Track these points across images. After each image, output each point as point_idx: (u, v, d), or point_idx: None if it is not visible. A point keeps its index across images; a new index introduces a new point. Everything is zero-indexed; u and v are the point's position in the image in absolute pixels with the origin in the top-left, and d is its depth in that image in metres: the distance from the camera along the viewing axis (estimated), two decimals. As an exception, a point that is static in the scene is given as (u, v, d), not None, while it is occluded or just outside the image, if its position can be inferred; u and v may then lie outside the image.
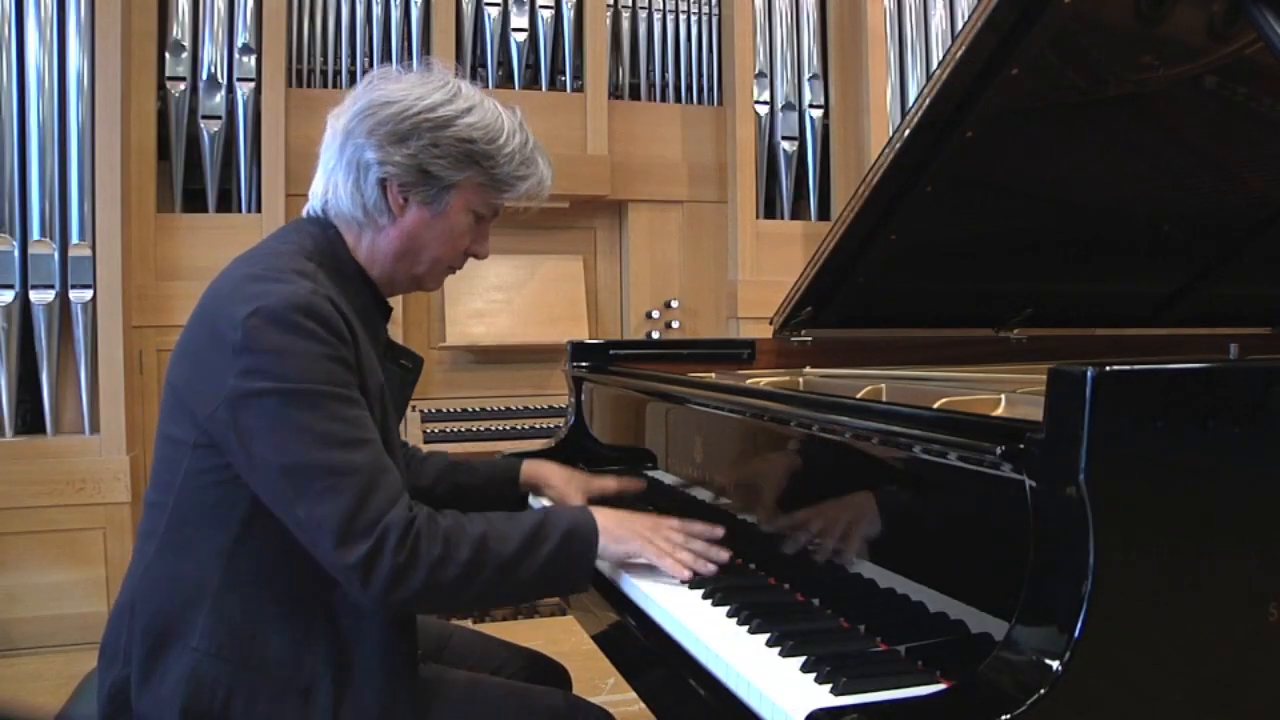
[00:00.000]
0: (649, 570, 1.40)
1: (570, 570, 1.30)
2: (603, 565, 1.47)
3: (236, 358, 1.15)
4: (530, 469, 1.77)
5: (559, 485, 1.74)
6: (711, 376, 2.05)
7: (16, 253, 3.38)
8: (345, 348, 1.21)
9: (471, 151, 1.32)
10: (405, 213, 1.33)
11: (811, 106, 4.38)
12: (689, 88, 4.36)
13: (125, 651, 1.25)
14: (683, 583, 1.33)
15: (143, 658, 1.22)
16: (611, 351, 2.21)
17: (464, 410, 3.96)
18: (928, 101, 1.71)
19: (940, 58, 1.84)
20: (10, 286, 3.37)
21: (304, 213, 1.39)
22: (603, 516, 1.35)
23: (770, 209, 4.43)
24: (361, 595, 1.17)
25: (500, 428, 3.91)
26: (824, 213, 4.42)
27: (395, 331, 3.82)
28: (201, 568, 1.22)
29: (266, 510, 1.19)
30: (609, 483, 1.75)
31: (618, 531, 1.35)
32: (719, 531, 1.42)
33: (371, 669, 1.26)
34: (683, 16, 4.33)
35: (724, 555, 1.38)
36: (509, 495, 1.77)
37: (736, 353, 2.24)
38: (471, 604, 1.28)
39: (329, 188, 1.34)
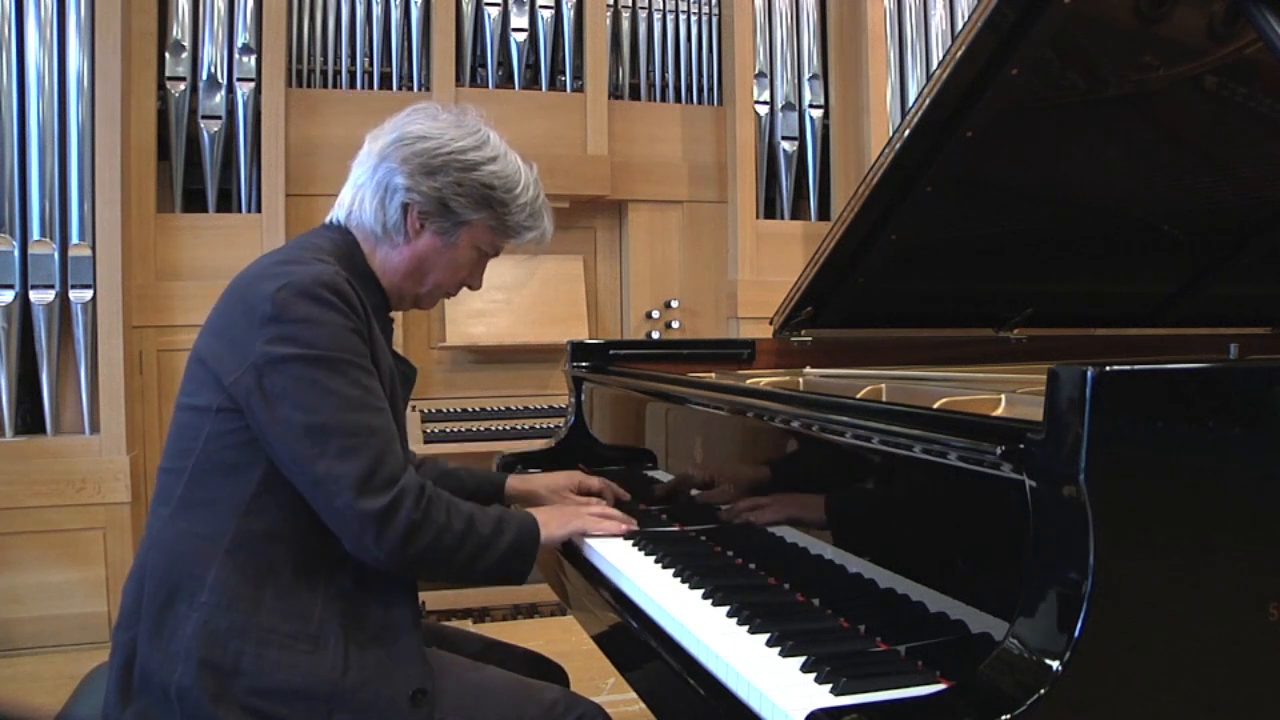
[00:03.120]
0: (648, 569, 1.42)
1: (519, 560, 1.44)
2: (602, 565, 1.47)
3: (265, 327, 1.26)
4: (515, 484, 1.83)
5: (545, 499, 1.79)
6: (711, 376, 2.05)
7: (16, 253, 3.38)
8: (362, 324, 1.33)
9: (489, 196, 1.46)
10: (419, 237, 1.46)
11: (811, 106, 4.38)
12: (689, 88, 4.35)
13: (134, 612, 1.31)
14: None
15: (153, 614, 1.28)
16: (611, 351, 2.21)
17: (464, 410, 3.96)
18: (928, 101, 1.71)
19: (940, 58, 1.84)
20: (10, 286, 3.37)
21: (327, 220, 1.51)
22: (541, 514, 1.51)
23: (770, 209, 4.43)
24: (374, 547, 1.27)
25: (500, 428, 3.91)
26: (824, 213, 4.41)
27: (395, 331, 3.83)
28: (215, 525, 1.30)
29: (280, 473, 1.29)
30: (592, 482, 1.82)
31: (558, 520, 1.55)
32: (625, 495, 1.73)
33: (376, 618, 1.34)
34: (683, 16, 4.32)
35: (624, 518, 1.63)
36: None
37: (736, 353, 2.24)
38: (452, 575, 1.39)
39: (356, 200, 1.46)
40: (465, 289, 1.57)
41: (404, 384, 1.53)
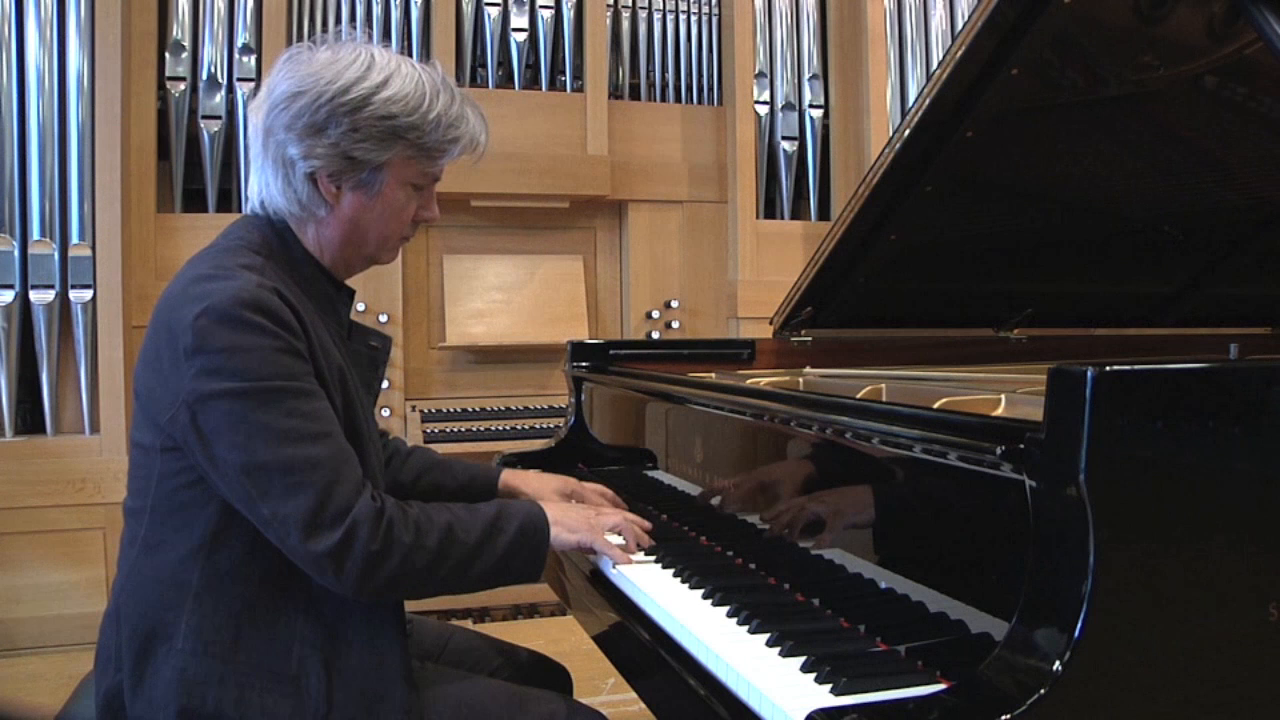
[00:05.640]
0: (649, 569, 1.42)
1: (525, 560, 1.33)
2: (602, 565, 1.47)
3: (190, 360, 1.16)
4: (508, 478, 1.74)
5: (534, 494, 1.70)
6: (711, 376, 2.05)
7: (16, 253, 3.38)
8: (296, 338, 1.21)
9: (394, 127, 1.28)
10: (341, 201, 1.31)
11: (811, 106, 4.38)
12: (689, 88, 4.35)
13: (116, 658, 1.26)
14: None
15: (132, 663, 1.24)
16: (611, 351, 2.21)
17: (464, 410, 3.96)
18: (928, 101, 1.71)
19: (940, 58, 1.84)
20: (10, 286, 3.37)
21: (246, 210, 1.38)
22: (552, 509, 1.40)
23: (770, 209, 4.43)
24: (335, 584, 1.19)
25: (500, 428, 3.91)
26: (824, 213, 4.42)
27: (395, 330, 3.85)
28: (180, 568, 1.23)
29: (236, 508, 1.21)
30: (588, 489, 1.71)
31: (568, 522, 1.41)
32: (647, 525, 1.53)
33: (360, 650, 1.28)
34: (683, 16, 4.32)
35: (648, 542, 1.50)
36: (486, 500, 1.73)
37: (736, 353, 2.24)
38: (437, 590, 1.29)
39: (262, 186, 1.32)
40: (427, 230, 1.44)
41: (371, 366, 1.43)
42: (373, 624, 1.29)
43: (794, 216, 4.45)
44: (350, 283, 1.44)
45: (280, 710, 1.22)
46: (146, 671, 1.23)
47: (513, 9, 4.07)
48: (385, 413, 3.84)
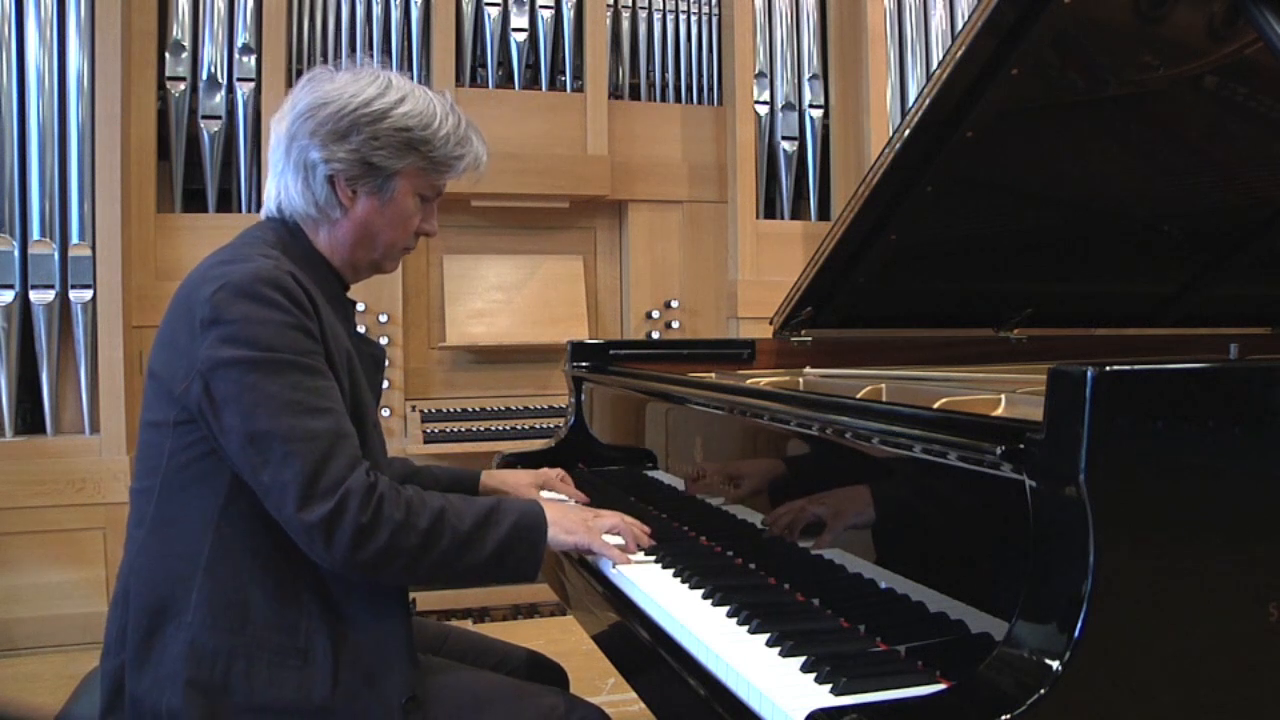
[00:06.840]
0: (649, 569, 1.42)
1: (522, 557, 1.35)
2: (605, 566, 1.48)
3: (206, 331, 1.23)
4: (488, 477, 1.80)
5: (514, 491, 1.77)
6: (711, 376, 2.05)
7: (16, 253, 3.38)
8: (308, 318, 1.27)
9: (410, 139, 1.39)
10: (355, 204, 1.40)
11: (811, 106, 4.38)
12: (689, 88, 4.35)
13: (120, 640, 1.28)
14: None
15: (139, 640, 1.25)
16: (611, 351, 2.21)
17: (464, 410, 3.96)
18: (928, 101, 1.71)
19: (940, 58, 1.84)
20: (10, 286, 3.37)
21: (261, 215, 1.46)
22: (550, 510, 1.42)
23: (770, 209, 4.43)
24: (325, 555, 1.22)
25: (500, 428, 3.91)
26: (824, 213, 4.42)
27: (395, 330, 3.85)
28: (191, 542, 1.26)
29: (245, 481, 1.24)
30: (551, 475, 1.80)
31: (566, 523, 1.43)
32: (645, 527, 1.53)
33: (365, 628, 1.30)
34: (683, 16, 4.32)
35: (647, 543, 1.50)
36: None
37: (736, 353, 2.24)
38: (429, 576, 1.30)
39: (280, 189, 1.41)
40: (424, 239, 1.50)
41: (373, 367, 1.47)
42: (377, 601, 1.32)
43: (794, 216, 4.45)
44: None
45: (287, 683, 1.24)
46: (154, 648, 1.25)
47: (513, 9, 4.07)
48: (385, 413, 3.84)
